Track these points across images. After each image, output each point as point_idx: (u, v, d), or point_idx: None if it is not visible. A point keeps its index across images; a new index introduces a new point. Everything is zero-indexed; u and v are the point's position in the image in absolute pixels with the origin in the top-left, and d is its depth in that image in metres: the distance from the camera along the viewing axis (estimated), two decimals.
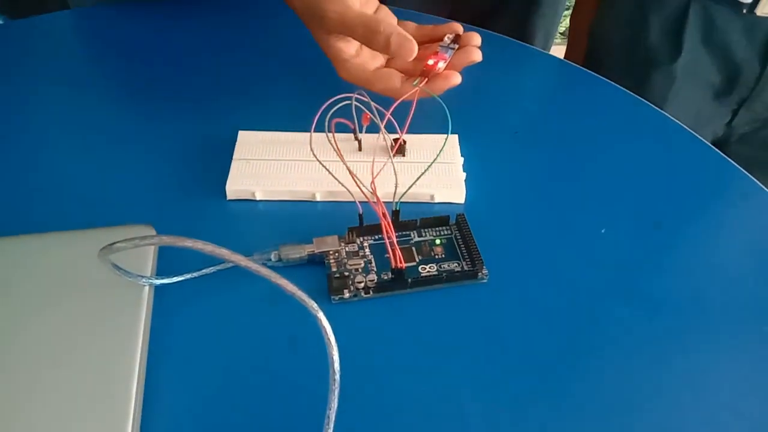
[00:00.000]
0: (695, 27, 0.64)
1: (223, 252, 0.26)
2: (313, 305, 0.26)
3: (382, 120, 0.41)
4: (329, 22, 0.43)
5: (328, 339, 0.26)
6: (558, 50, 0.81)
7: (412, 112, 0.43)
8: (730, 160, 0.50)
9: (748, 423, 0.33)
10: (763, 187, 0.48)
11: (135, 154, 0.47)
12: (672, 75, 0.67)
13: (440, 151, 0.41)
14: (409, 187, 0.40)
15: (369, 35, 0.42)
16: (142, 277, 0.35)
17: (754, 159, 0.68)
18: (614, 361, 0.36)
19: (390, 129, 0.44)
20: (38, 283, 0.36)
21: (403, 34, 0.42)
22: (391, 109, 0.41)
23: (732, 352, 0.37)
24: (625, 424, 0.33)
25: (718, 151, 0.51)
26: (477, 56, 0.46)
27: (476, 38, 0.47)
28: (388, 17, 0.48)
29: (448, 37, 0.46)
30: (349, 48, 0.45)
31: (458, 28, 0.48)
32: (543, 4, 0.79)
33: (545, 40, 0.83)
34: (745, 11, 0.60)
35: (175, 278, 0.37)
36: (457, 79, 0.44)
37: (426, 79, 0.44)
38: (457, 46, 0.46)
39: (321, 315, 0.26)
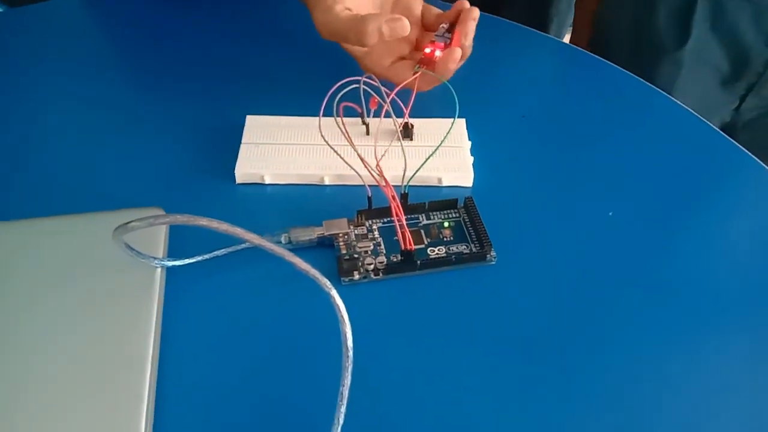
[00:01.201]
0: (704, 12, 0.63)
1: (237, 230, 0.27)
2: (326, 282, 0.27)
3: (388, 103, 0.41)
4: (322, 32, 0.43)
5: (342, 316, 0.27)
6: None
7: (413, 97, 0.43)
8: (738, 144, 0.50)
9: (756, 406, 0.34)
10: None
11: (144, 138, 0.47)
12: (679, 61, 0.66)
13: (447, 134, 0.41)
14: (417, 170, 0.40)
15: (360, 37, 0.41)
16: (155, 258, 0.36)
17: (761, 144, 0.68)
18: (622, 343, 0.36)
19: (398, 113, 0.44)
20: (51, 266, 0.36)
21: (391, 17, 0.41)
22: (393, 94, 0.41)
23: (740, 335, 0.37)
24: (632, 405, 0.33)
25: (726, 136, 0.51)
26: (471, 23, 0.45)
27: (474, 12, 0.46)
28: (413, 3, 0.47)
29: (442, 27, 0.46)
30: (358, 47, 0.45)
31: (474, 12, 0.47)
32: None
33: (558, 29, 0.83)
34: None
35: (186, 260, 0.37)
36: (457, 53, 0.43)
37: (424, 66, 0.44)
38: (451, 35, 0.46)
39: (334, 292, 0.27)
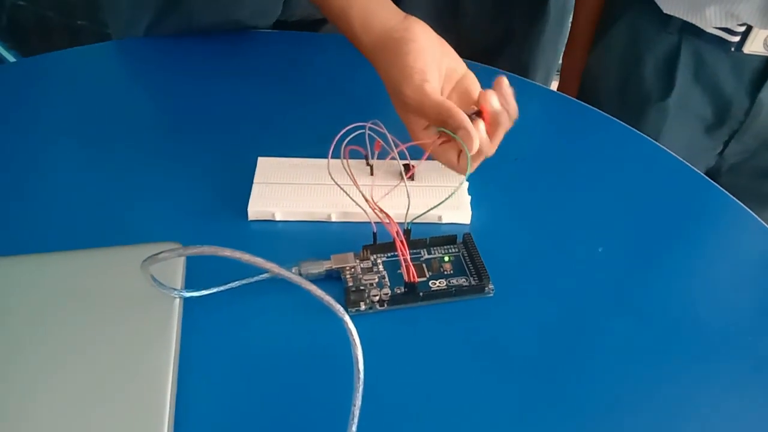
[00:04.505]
0: (686, 65, 0.67)
1: (258, 260, 0.29)
2: (339, 309, 0.29)
3: (393, 148, 0.45)
4: (407, 105, 0.46)
5: (353, 340, 0.29)
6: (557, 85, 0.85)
7: (425, 156, 0.46)
8: (720, 188, 0.53)
9: (735, 423, 0.36)
10: (753, 213, 0.51)
11: (162, 178, 0.50)
12: (665, 111, 0.70)
13: (451, 194, 0.44)
14: (426, 212, 0.43)
15: (441, 122, 0.44)
16: (174, 289, 0.38)
17: (744, 188, 0.71)
18: (613, 368, 0.38)
19: (401, 156, 0.47)
20: (73, 297, 0.38)
21: (469, 131, 0.43)
22: (403, 146, 0.44)
23: (719, 361, 0.40)
24: (623, 425, 0.36)
25: (710, 180, 0.54)
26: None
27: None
28: (472, 85, 0.49)
29: (473, 108, 0.49)
30: (423, 122, 0.48)
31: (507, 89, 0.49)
32: (544, 41, 0.83)
33: (546, 76, 0.87)
34: (733, 49, 0.64)
35: (204, 291, 0.39)
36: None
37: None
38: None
39: (347, 318, 0.29)
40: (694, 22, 0.64)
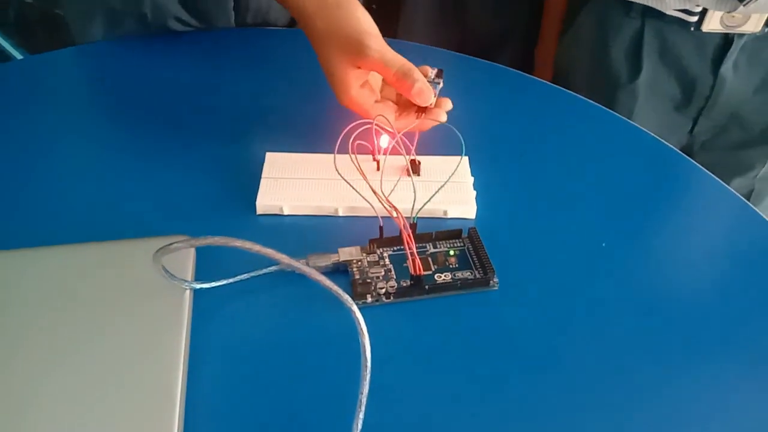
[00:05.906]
0: (651, 46, 0.70)
1: (268, 251, 0.30)
2: (347, 299, 0.30)
3: (400, 144, 0.46)
4: (367, 59, 0.47)
5: (361, 329, 0.30)
6: None
7: (416, 138, 0.49)
8: (702, 167, 0.55)
9: (737, 411, 0.37)
10: (728, 187, 0.53)
11: (171, 174, 0.51)
12: (635, 92, 0.73)
13: (453, 172, 0.45)
14: (426, 203, 0.44)
15: (402, 76, 0.47)
16: (185, 281, 0.39)
17: (717, 163, 0.71)
18: (614, 359, 0.39)
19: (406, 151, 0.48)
20: (85, 289, 0.39)
21: (427, 85, 0.48)
22: (401, 133, 0.46)
23: (712, 337, 0.41)
24: (625, 417, 0.36)
25: (699, 166, 0.55)
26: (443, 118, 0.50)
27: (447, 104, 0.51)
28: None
29: (432, 73, 0.50)
30: (359, 79, 0.49)
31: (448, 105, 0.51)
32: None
33: (546, 71, 0.88)
34: (692, 29, 0.66)
35: (213, 283, 0.40)
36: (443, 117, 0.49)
37: (423, 113, 0.49)
38: (441, 81, 0.50)
39: (355, 307, 0.30)
40: (654, 6, 0.66)
